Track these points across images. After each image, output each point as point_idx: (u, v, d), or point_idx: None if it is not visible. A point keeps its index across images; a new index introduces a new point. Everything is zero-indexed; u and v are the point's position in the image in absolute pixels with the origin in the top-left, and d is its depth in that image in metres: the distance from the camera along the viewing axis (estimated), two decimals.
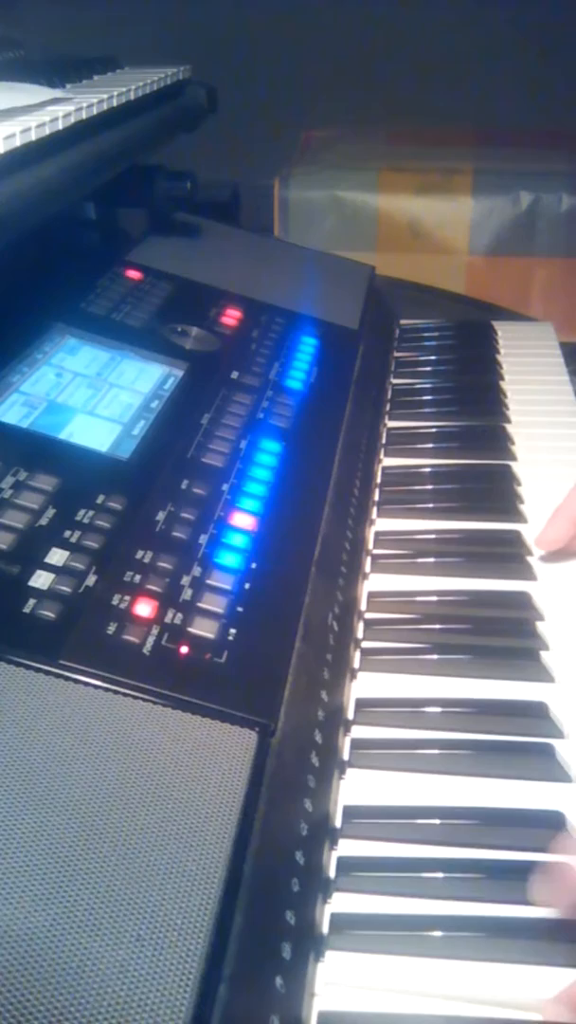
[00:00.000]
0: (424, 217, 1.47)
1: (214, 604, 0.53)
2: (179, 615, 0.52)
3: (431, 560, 0.70)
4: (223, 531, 0.60)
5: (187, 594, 0.54)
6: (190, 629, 0.51)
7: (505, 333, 1.08)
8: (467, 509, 0.76)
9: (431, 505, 0.77)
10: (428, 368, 1.01)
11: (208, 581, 0.55)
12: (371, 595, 0.66)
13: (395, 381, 0.98)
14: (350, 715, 0.57)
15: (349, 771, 0.53)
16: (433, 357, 1.03)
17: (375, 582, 0.68)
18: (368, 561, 0.70)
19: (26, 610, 0.49)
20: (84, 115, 0.77)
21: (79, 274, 0.89)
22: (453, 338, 1.08)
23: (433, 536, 0.73)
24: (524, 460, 0.83)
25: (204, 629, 0.52)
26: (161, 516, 0.59)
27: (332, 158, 1.56)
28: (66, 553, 0.53)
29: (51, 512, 0.55)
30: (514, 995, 0.42)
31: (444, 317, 1.13)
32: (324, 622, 0.59)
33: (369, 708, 0.57)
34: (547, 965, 0.43)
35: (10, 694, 0.44)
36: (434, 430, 0.89)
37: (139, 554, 0.55)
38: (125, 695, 0.46)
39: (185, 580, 0.54)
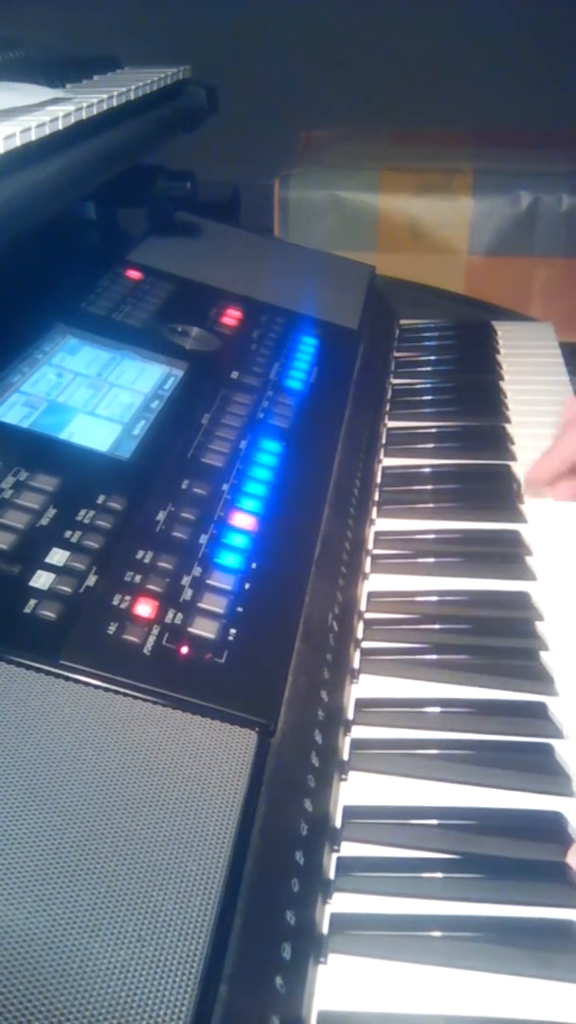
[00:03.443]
0: (424, 217, 1.47)
1: (214, 604, 0.53)
2: (179, 615, 0.52)
3: (431, 560, 0.70)
4: (223, 531, 0.60)
5: (187, 594, 0.54)
6: (190, 629, 0.51)
7: (505, 333, 1.08)
8: (467, 509, 0.76)
9: (431, 505, 0.77)
10: (428, 368, 1.01)
11: (208, 581, 0.55)
12: (371, 595, 0.66)
13: (395, 381, 0.98)
14: (350, 715, 0.57)
15: (349, 771, 0.53)
16: (433, 357, 1.03)
17: (375, 582, 0.68)
18: (368, 561, 0.70)
19: (26, 610, 0.49)
20: (84, 115, 0.77)
21: (79, 274, 0.89)
22: (453, 338, 1.08)
23: (433, 536, 0.73)
24: (524, 460, 0.83)
25: (204, 629, 0.52)
26: (161, 516, 0.59)
27: (332, 158, 1.56)
28: (66, 553, 0.53)
29: (52, 512, 0.55)
30: (514, 994, 0.42)
31: (444, 317, 1.13)
32: (324, 622, 0.59)
33: (369, 708, 0.57)
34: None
35: (10, 694, 0.44)
36: (434, 430, 0.89)
37: (139, 554, 0.55)
38: (125, 695, 0.46)
39: (185, 580, 0.55)
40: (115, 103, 0.85)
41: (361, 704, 0.57)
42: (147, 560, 0.55)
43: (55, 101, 0.77)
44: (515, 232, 1.46)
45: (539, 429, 0.88)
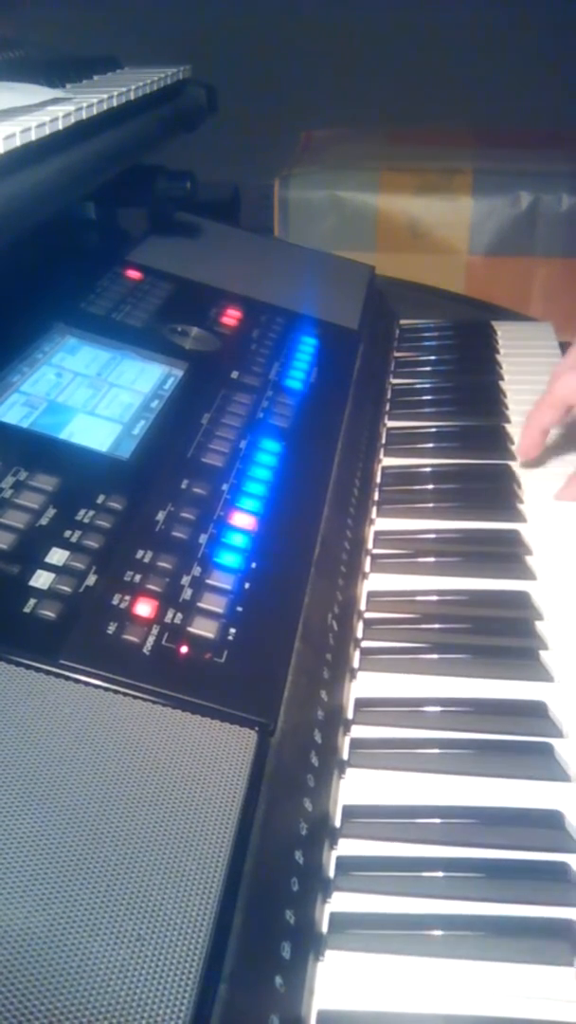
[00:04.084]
0: (424, 217, 1.47)
1: (214, 604, 0.53)
2: (179, 615, 0.52)
3: (431, 560, 0.70)
4: (223, 531, 0.60)
5: (187, 594, 0.54)
6: (190, 629, 0.51)
7: (505, 333, 1.08)
8: (467, 509, 0.76)
9: (431, 505, 0.77)
10: (428, 368, 1.01)
11: (208, 581, 0.55)
12: (371, 595, 0.66)
13: (395, 381, 0.98)
14: (349, 714, 0.57)
15: (348, 770, 0.53)
16: (433, 357, 1.03)
17: (375, 582, 0.68)
18: (368, 561, 0.70)
19: (26, 610, 0.49)
20: (84, 115, 0.77)
21: (79, 274, 0.89)
22: (453, 338, 1.08)
23: (433, 536, 0.73)
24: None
25: (204, 629, 0.52)
26: (161, 516, 0.59)
27: (332, 158, 1.56)
28: (66, 553, 0.53)
29: (51, 512, 0.55)
30: (514, 994, 0.42)
31: (444, 317, 1.13)
32: (324, 622, 0.59)
33: (368, 708, 0.57)
34: (546, 964, 0.44)
35: (10, 694, 0.44)
36: (434, 430, 0.89)
37: (139, 554, 0.55)
38: (125, 695, 0.46)
39: (185, 580, 0.55)
40: (115, 103, 0.85)
41: (360, 703, 0.57)
42: (147, 560, 0.55)
43: (55, 101, 0.77)
44: (515, 232, 1.46)
45: None
